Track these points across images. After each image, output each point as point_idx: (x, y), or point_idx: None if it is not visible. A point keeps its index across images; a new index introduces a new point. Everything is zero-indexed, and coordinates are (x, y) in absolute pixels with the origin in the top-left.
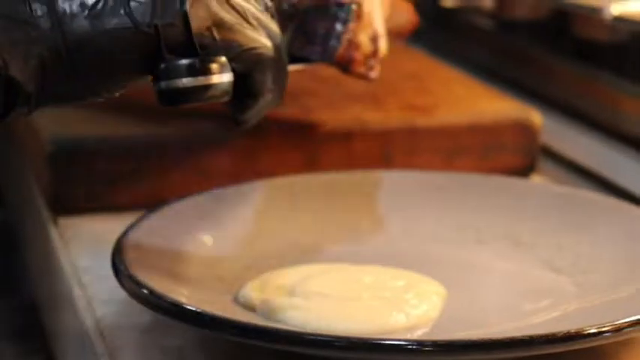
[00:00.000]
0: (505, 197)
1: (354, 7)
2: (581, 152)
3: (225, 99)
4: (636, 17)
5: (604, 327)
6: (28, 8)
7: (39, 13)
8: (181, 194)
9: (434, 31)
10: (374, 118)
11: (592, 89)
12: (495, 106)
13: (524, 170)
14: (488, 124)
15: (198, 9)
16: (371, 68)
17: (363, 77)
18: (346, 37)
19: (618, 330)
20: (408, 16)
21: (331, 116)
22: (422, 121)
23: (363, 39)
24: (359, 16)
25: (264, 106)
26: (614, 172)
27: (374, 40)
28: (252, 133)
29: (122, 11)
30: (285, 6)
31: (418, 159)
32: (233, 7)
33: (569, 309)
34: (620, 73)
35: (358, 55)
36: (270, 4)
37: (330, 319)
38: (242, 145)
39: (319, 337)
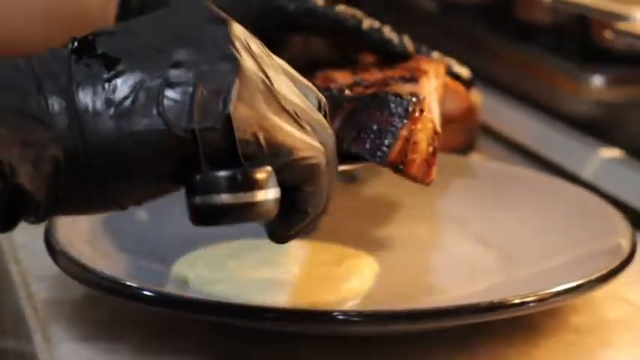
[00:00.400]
0: (440, 174)
1: (414, 100)
2: (520, 131)
3: (269, 219)
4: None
5: (528, 297)
6: (43, 102)
7: (55, 108)
8: None
9: (378, 12)
10: None
11: (532, 70)
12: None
13: (464, 149)
14: None
15: (244, 111)
16: (428, 172)
17: (419, 181)
18: (403, 134)
19: (542, 300)
20: (460, 100)
21: None
22: None
23: (422, 138)
24: (420, 110)
25: (309, 221)
26: (551, 151)
27: (433, 139)
28: None
29: (154, 111)
30: (333, 91)
31: None
32: (283, 108)
33: (496, 281)
34: (559, 54)
35: (416, 157)
36: (323, 100)
37: (261, 293)
38: None
39: (247, 308)
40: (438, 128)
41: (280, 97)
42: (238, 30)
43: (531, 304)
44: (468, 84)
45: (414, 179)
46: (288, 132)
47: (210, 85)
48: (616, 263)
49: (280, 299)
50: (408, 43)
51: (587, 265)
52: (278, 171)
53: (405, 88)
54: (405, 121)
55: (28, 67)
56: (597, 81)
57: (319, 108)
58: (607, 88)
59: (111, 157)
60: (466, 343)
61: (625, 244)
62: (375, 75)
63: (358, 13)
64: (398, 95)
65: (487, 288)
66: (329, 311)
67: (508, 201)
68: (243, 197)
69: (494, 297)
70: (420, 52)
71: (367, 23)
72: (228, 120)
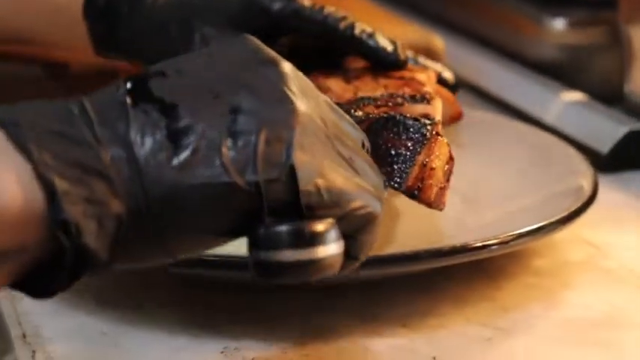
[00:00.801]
0: None
1: (430, 124)
2: (483, 76)
3: (333, 273)
4: None
5: (489, 241)
6: (102, 153)
7: (115, 159)
8: None
9: None
10: None
11: (494, 14)
12: (397, 31)
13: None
14: None
15: (305, 159)
16: (442, 198)
17: (433, 207)
18: (420, 159)
19: (502, 243)
20: (450, 107)
21: None
22: None
23: (439, 164)
24: (436, 134)
25: (356, 266)
26: (514, 95)
27: (449, 164)
28: None
29: (217, 162)
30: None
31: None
32: (339, 153)
33: (459, 225)
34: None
35: (432, 183)
36: (367, 143)
37: None
38: None
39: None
40: (453, 153)
41: (335, 141)
42: (289, 69)
43: (493, 248)
44: (453, 89)
45: (429, 205)
46: (347, 180)
47: (271, 133)
48: (577, 205)
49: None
50: (403, 52)
51: (548, 208)
52: (337, 221)
53: (417, 109)
54: (423, 146)
55: (82, 112)
56: (559, 24)
57: (365, 151)
58: (569, 31)
59: (172, 212)
60: (428, 287)
61: (586, 186)
62: (370, 84)
63: (349, 16)
64: (416, 119)
65: (450, 232)
66: None
67: (470, 145)
68: (306, 254)
69: (457, 241)
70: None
71: (359, 28)
72: (292, 171)
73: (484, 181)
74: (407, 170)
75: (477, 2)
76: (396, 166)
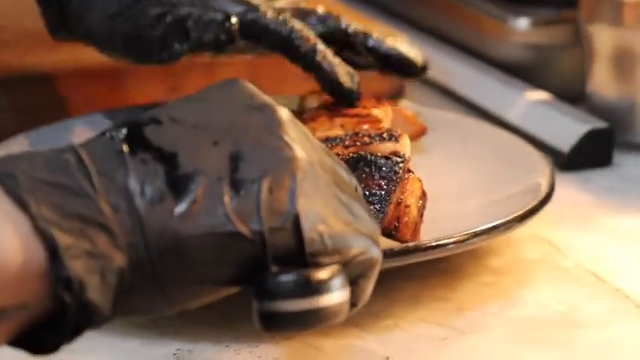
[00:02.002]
0: None
1: (402, 161)
2: (448, 75)
3: (340, 321)
4: None
5: (443, 240)
6: (102, 204)
7: (116, 210)
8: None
9: None
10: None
11: (459, 13)
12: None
13: (393, 95)
14: None
15: (308, 206)
16: (417, 233)
17: (407, 242)
18: (395, 198)
19: (457, 242)
20: (414, 124)
21: None
22: None
23: (412, 201)
24: (408, 171)
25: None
26: (478, 94)
27: (422, 199)
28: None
29: (220, 211)
30: None
31: (287, 87)
32: (339, 200)
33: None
34: None
35: (407, 220)
36: (359, 189)
37: None
38: (108, 74)
39: None
40: (425, 188)
41: (334, 187)
42: (285, 115)
43: (447, 247)
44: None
45: (405, 242)
46: (347, 226)
47: (274, 180)
48: (532, 204)
49: None
50: (358, 87)
51: (504, 206)
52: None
53: (386, 147)
54: (397, 185)
55: (79, 163)
56: (523, 23)
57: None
58: (533, 30)
59: (174, 262)
60: (383, 287)
61: (543, 184)
62: (326, 124)
63: (312, 37)
64: (386, 157)
65: None
66: None
67: (430, 143)
68: (312, 302)
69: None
70: None
71: (322, 54)
72: (296, 219)
73: (442, 179)
74: (383, 210)
75: (441, 1)
76: (371, 207)
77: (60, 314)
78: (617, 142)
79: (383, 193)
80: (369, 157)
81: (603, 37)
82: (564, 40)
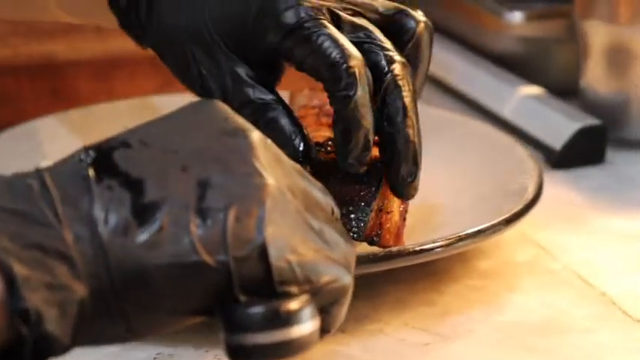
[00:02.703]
0: None
1: (380, 166)
2: (443, 68)
3: (308, 350)
4: None
5: (426, 245)
6: (64, 232)
7: (78, 239)
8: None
9: None
10: None
11: (457, 5)
12: None
13: None
14: None
15: (276, 235)
16: (399, 239)
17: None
18: (376, 205)
19: (441, 247)
20: None
21: None
22: None
23: (394, 207)
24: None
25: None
26: (473, 88)
27: (404, 203)
28: (106, 55)
29: (185, 240)
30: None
31: (282, 79)
32: (311, 226)
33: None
34: None
35: (389, 227)
36: (336, 210)
37: None
38: (97, 67)
39: None
40: None
41: (306, 213)
42: (258, 139)
43: (431, 252)
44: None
45: (387, 247)
46: (317, 254)
47: (241, 209)
48: (519, 207)
49: None
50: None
51: (492, 208)
52: (311, 296)
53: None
54: (377, 192)
55: (43, 188)
56: (517, 17)
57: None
58: (527, 23)
59: (138, 292)
60: (369, 290)
61: (531, 187)
62: (313, 125)
63: (360, 70)
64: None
65: None
66: None
67: (423, 142)
68: (281, 334)
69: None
70: None
71: (356, 102)
72: (263, 248)
73: (431, 178)
74: (364, 219)
75: None
76: (352, 216)
77: (18, 345)
78: (610, 138)
79: (363, 203)
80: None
81: (598, 34)
82: (559, 34)
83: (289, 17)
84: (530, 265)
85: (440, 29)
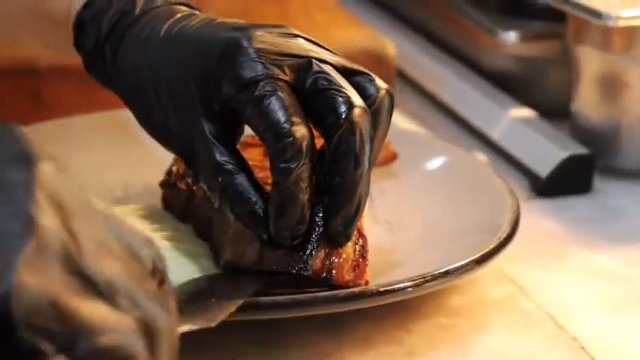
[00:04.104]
0: None
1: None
2: (436, 83)
3: None
4: None
5: (392, 286)
6: None
7: None
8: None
9: None
10: None
11: (455, 21)
12: (348, 34)
13: None
14: (338, 54)
15: (34, 284)
16: (360, 274)
17: (352, 286)
18: (322, 241)
19: (406, 289)
20: (386, 149)
21: None
22: None
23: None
24: None
25: None
26: (464, 107)
27: (362, 239)
28: None
29: None
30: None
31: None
32: (88, 279)
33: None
34: (479, 7)
35: (342, 261)
36: (161, 265)
37: None
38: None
39: None
40: (362, 228)
41: (86, 265)
42: (48, 172)
43: (401, 292)
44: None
45: (347, 285)
46: (92, 311)
47: None
48: (492, 245)
49: None
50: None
51: (465, 244)
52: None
53: None
54: (319, 227)
55: None
56: (512, 36)
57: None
58: (521, 43)
59: None
60: (336, 326)
61: (506, 225)
62: None
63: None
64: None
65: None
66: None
67: (401, 168)
68: None
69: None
70: None
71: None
72: (7, 297)
73: (408, 209)
74: (310, 254)
75: (439, 6)
76: (300, 252)
77: None
78: (599, 166)
79: (308, 236)
80: None
81: (590, 60)
82: (553, 54)
83: (246, 70)
84: (503, 303)
85: (439, 39)
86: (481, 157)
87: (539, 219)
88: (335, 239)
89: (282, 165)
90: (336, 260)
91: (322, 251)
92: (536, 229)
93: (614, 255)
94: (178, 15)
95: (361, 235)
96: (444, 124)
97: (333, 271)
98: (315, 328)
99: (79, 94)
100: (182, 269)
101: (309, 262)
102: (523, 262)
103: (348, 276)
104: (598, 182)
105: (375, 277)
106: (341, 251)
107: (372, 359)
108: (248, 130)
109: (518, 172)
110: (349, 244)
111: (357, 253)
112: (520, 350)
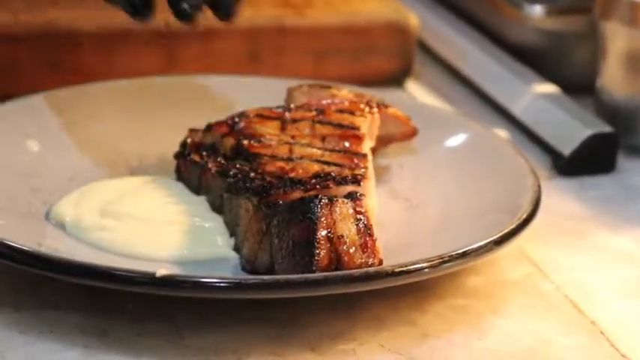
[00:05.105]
0: None
1: (324, 200)
2: (459, 56)
3: None
4: None
5: (404, 267)
6: None
7: None
8: (32, 89)
9: None
10: (241, 14)
11: None
12: (370, 6)
13: (399, 74)
14: (361, 25)
15: None
16: (372, 252)
17: (369, 266)
18: (322, 235)
19: (420, 270)
20: (400, 125)
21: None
22: (291, 20)
23: (344, 227)
24: (328, 201)
25: None
26: (487, 82)
27: (358, 220)
28: (109, 28)
29: None
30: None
31: (287, 60)
32: None
33: (394, 238)
34: None
35: (348, 249)
36: None
37: (137, 243)
38: (99, 41)
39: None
40: (361, 207)
41: None
42: None
43: (417, 272)
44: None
45: (360, 267)
46: None
47: None
48: (512, 226)
49: (158, 253)
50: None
51: (485, 225)
52: None
53: (347, 190)
54: (316, 223)
55: None
56: (537, 10)
57: None
58: (547, 17)
59: None
60: (347, 306)
61: (527, 206)
62: (307, 137)
63: None
64: (302, 198)
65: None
66: (192, 279)
67: (422, 142)
68: None
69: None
70: None
71: None
72: None
73: (427, 185)
74: (312, 258)
75: None
76: (304, 252)
77: None
78: (622, 145)
79: (304, 239)
80: (281, 207)
81: (617, 36)
82: (579, 29)
83: None
84: (521, 284)
85: (459, 13)
86: (502, 133)
87: (560, 198)
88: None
89: None
90: (343, 250)
91: (324, 247)
92: (557, 208)
93: (635, 236)
94: None
95: (360, 212)
96: (464, 97)
97: (345, 258)
98: (328, 308)
99: (95, 60)
100: (193, 246)
101: (316, 261)
102: (542, 242)
103: (359, 259)
104: (621, 161)
105: (391, 257)
106: (342, 240)
107: (385, 340)
108: (262, 103)
109: (540, 149)
110: (349, 225)
111: (360, 232)
112: (537, 333)
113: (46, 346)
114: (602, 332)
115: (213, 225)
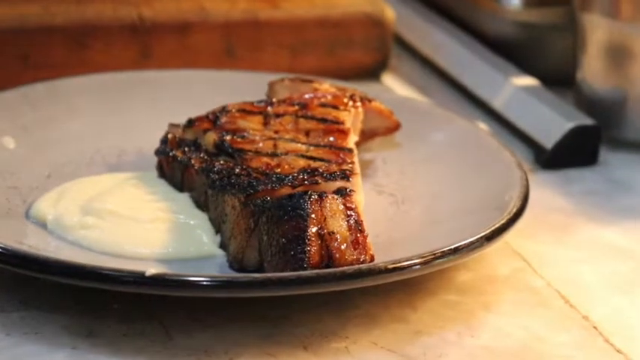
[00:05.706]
0: None
1: (314, 196)
2: (437, 50)
3: None
4: None
5: (392, 264)
6: None
7: None
8: (4, 85)
9: None
10: (215, 7)
11: None
12: None
13: (376, 67)
14: (337, 18)
15: None
16: (363, 249)
17: (361, 262)
18: (312, 232)
19: (412, 266)
20: (389, 120)
21: (167, 5)
22: (266, 13)
23: (335, 223)
24: (318, 197)
25: None
26: (466, 75)
27: (348, 216)
28: (82, 21)
29: None
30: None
31: (263, 53)
32: None
33: (380, 234)
34: None
35: (339, 245)
36: None
37: (122, 241)
38: (71, 34)
39: (108, 272)
40: (351, 202)
41: None
42: None
43: (408, 269)
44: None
45: (352, 264)
46: None
47: None
48: (502, 221)
49: (141, 250)
50: None
51: (473, 220)
52: None
53: (335, 186)
54: (306, 219)
55: None
56: (515, 1)
57: None
58: (524, 9)
59: None
60: (338, 303)
61: (516, 200)
62: (291, 131)
63: None
64: (291, 195)
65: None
66: (183, 278)
67: (405, 136)
68: None
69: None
70: None
71: None
72: None
73: (412, 180)
74: (303, 254)
75: None
76: (295, 250)
77: None
78: (604, 138)
79: (294, 236)
80: (269, 203)
81: (597, 28)
82: (557, 20)
83: None
84: (511, 280)
85: (436, 6)
86: (483, 126)
87: (545, 192)
88: None
89: None
90: (334, 246)
91: (315, 243)
92: (542, 202)
93: (623, 230)
94: None
95: (350, 208)
96: (442, 91)
97: (336, 255)
98: (319, 305)
99: (67, 54)
100: (178, 244)
101: (307, 258)
102: (529, 236)
103: (350, 256)
104: (603, 154)
105: (382, 254)
106: (334, 237)
107: (378, 338)
108: (242, 97)
109: (522, 143)
110: (339, 221)
111: (351, 228)
112: (529, 329)
113: (32, 348)
114: (595, 327)
115: (198, 222)
